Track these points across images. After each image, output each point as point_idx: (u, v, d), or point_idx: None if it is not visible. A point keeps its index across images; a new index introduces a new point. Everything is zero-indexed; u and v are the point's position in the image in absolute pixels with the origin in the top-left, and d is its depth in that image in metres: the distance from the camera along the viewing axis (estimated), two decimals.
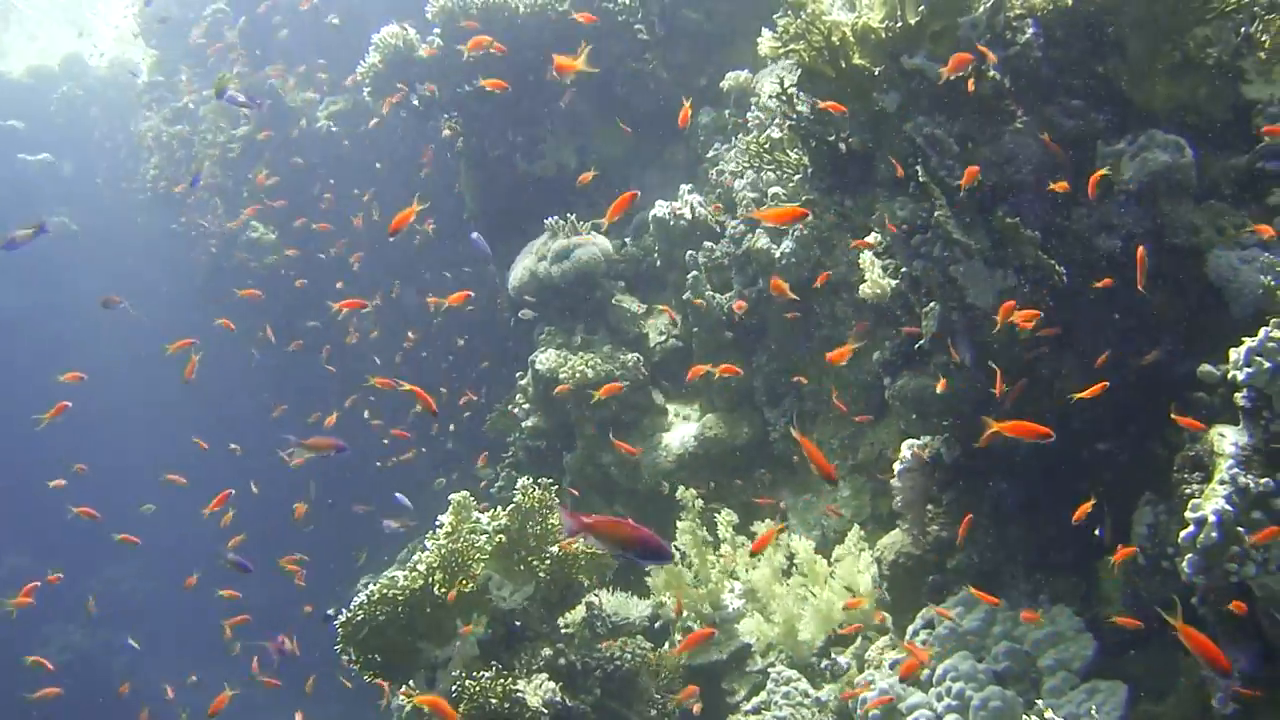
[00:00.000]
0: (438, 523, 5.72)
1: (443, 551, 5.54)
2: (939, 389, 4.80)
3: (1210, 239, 4.46)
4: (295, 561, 8.50)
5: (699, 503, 6.60)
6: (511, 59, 9.42)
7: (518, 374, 8.97)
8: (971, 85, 4.39)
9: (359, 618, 5.35)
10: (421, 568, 5.49)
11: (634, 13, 9.26)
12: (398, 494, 9.04)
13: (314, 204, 13.06)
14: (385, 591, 5.39)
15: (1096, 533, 4.49)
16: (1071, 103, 4.57)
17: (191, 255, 15.17)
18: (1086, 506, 4.26)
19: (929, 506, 5.34)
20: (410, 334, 11.99)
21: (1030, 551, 5.02)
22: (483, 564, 5.64)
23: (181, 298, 15.33)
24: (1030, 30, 4.48)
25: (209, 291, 13.96)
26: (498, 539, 5.69)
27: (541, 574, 5.77)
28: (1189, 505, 3.83)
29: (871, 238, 5.82)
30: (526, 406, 8.56)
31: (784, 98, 4.81)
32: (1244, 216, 4.53)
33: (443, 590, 5.43)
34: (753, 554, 6.39)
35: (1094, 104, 4.56)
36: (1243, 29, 4.68)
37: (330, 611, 6.91)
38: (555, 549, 5.81)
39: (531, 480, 5.91)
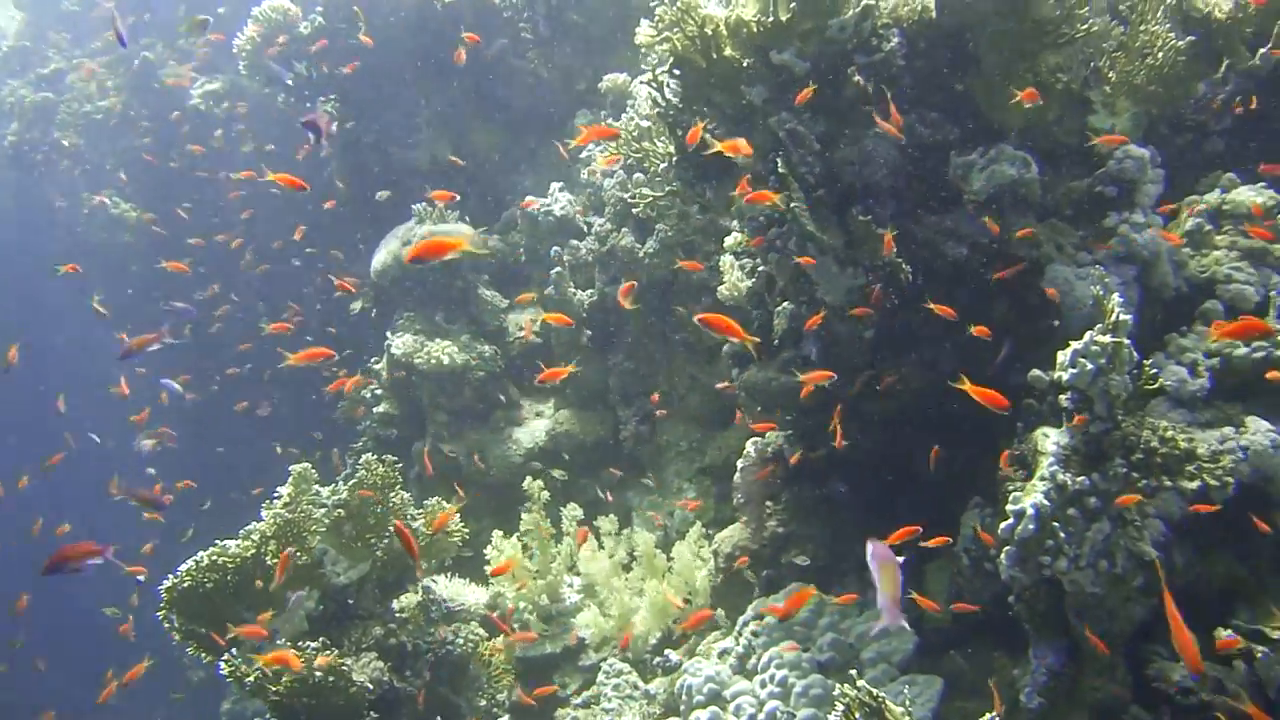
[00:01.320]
0: (276, 493, 5.59)
1: (278, 522, 5.42)
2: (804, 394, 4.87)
3: (1050, 254, 4.64)
4: None
5: (545, 495, 6.58)
6: (393, 45, 9.37)
7: (373, 359, 8.85)
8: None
9: (185, 584, 5.19)
10: (255, 537, 5.36)
11: (520, 11, 9.26)
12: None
13: (187, 184, 12.65)
14: (215, 559, 5.24)
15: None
16: (929, 114, 4.70)
17: (50, 228, 14.58)
18: (906, 532, 4.36)
19: (768, 503, 5.42)
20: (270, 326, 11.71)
21: (864, 553, 5.10)
22: (319, 537, 5.53)
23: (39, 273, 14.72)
24: (895, 39, 4.61)
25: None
26: (336, 513, 5.59)
27: (379, 553, 5.69)
28: (1010, 499, 3.96)
29: (730, 239, 5.91)
30: (379, 392, 8.44)
31: (654, 84, 4.85)
32: (1081, 236, 4.73)
33: (275, 561, 5.31)
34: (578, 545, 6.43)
35: (950, 116, 4.71)
36: (1091, 63, 4.91)
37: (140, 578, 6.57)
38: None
39: (375, 457, 5.83)
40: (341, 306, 10.31)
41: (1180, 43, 4.85)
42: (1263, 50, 5.22)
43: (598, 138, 6.40)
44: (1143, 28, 4.88)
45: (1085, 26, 4.53)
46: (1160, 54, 4.86)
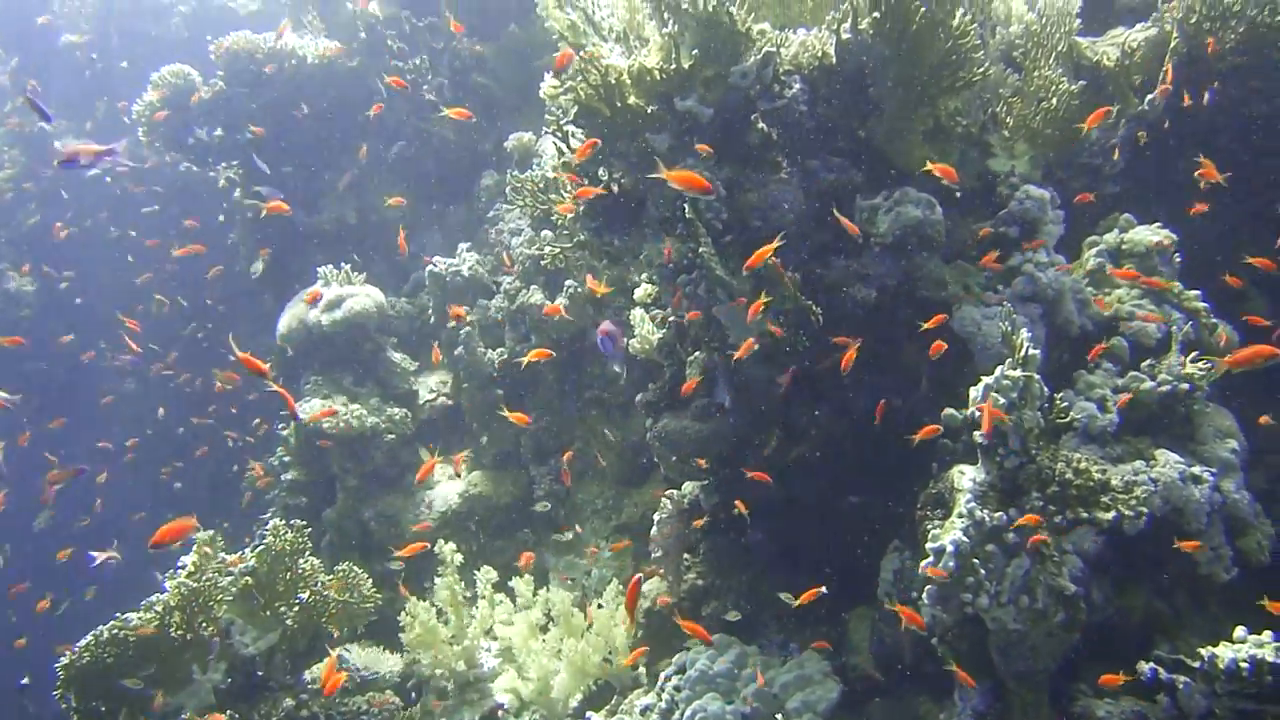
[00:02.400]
0: (180, 563, 5.39)
1: (183, 591, 5.21)
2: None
3: (957, 295, 4.67)
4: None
5: (458, 558, 6.42)
6: (296, 110, 9.28)
7: (280, 425, 8.65)
8: None
9: (85, 660, 4.96)
10: (158, 608, 5.15)
11: (424, 73, 9.22)
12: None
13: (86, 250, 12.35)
14: (116, 632, 5.02)
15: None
16: (833, 159, 4.73)
17: None
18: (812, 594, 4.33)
19: (686, 555, 5.35)
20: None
21: (782, 605, 5.05)
22: (226, 607, 5.34)
23: None
24: (797, 85, 4.64)
25: None
26: (244, 581, 5.40)
27: (289, 621, 5.50)
28: (929, 537, 3.93)
29: (639, 292, 5.89)
30: (287, 459, 8.22)
31: (559, 135, 4.83)
32: (987, 276, 4.77)
33: (180, 633, 5.10)
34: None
35: (854, 160, 4.74)
36: (989, 108, 4.99)
37: (24, 680, 6.38)
38: (305, 595, 5.56)
39: (284, 522, 5.66)
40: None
41: (1073, 87, 4.95)
42: (1150, 96, 5.35)
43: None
44: (1036, 73, 4.98)
45: (981, 70, 4.60)
46: (1054, 99, 4.95)
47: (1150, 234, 5.06)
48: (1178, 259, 5.14)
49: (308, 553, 5.67)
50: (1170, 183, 5.49)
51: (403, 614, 6.29)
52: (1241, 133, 5.52)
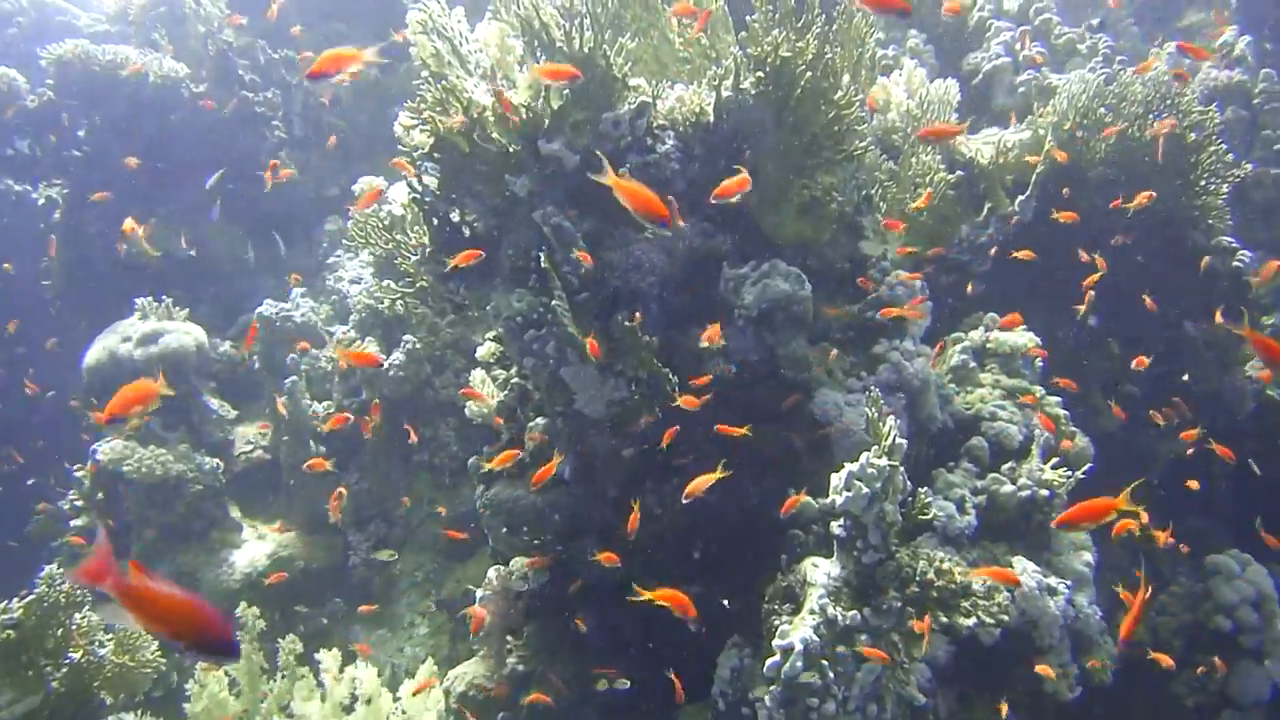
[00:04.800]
0: None
1: None
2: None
3: (819, 378, 4.43)
4: None
5: (260, 624, 5.86)
6: (130, 131, 8.69)
7: (75, 466, 7.91)
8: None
9: None
10: None
11: (275, 108, 8.75)
12: None
13: None
14: None
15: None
16: (702, 223, 4.47)
17: None
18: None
19: (509, 638, 4.92)
20: None
21: (608, 695, 4.67)
22: None
23: None
24: (670, 141, 4.39)
25: None
26: (5, 634, 4.76)
27: (55, 683, 4.87)
28: (777, 634, 3.61)
29: (481, 350, 5.52)
30: (79, 504, 7.50)
31: (411, 167, 4.45)
32: (851, 362, 4.55)
33: None
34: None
35: (724, 226, 4.49)
36: (864, 190, 4.82)
37: None
38: (77, 655, 4.94)
39: (59, 572, 5.04)
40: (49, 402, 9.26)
41: (950, 176, 4.82)
42: (1021, 198, 5.28)
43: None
44: (914, 159, 4.84)
45: (863, 145, 4.43)
46: (930, 187, 4.82)
47: (1015, 335, 4.94)
48: (1039, 364, 5.03)
49: (86, 608, 5.05)
50: (1034, 286, 5.42)
51: (190, 682, 5.70)
52: (1103, 243, 5.51)
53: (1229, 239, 5.85)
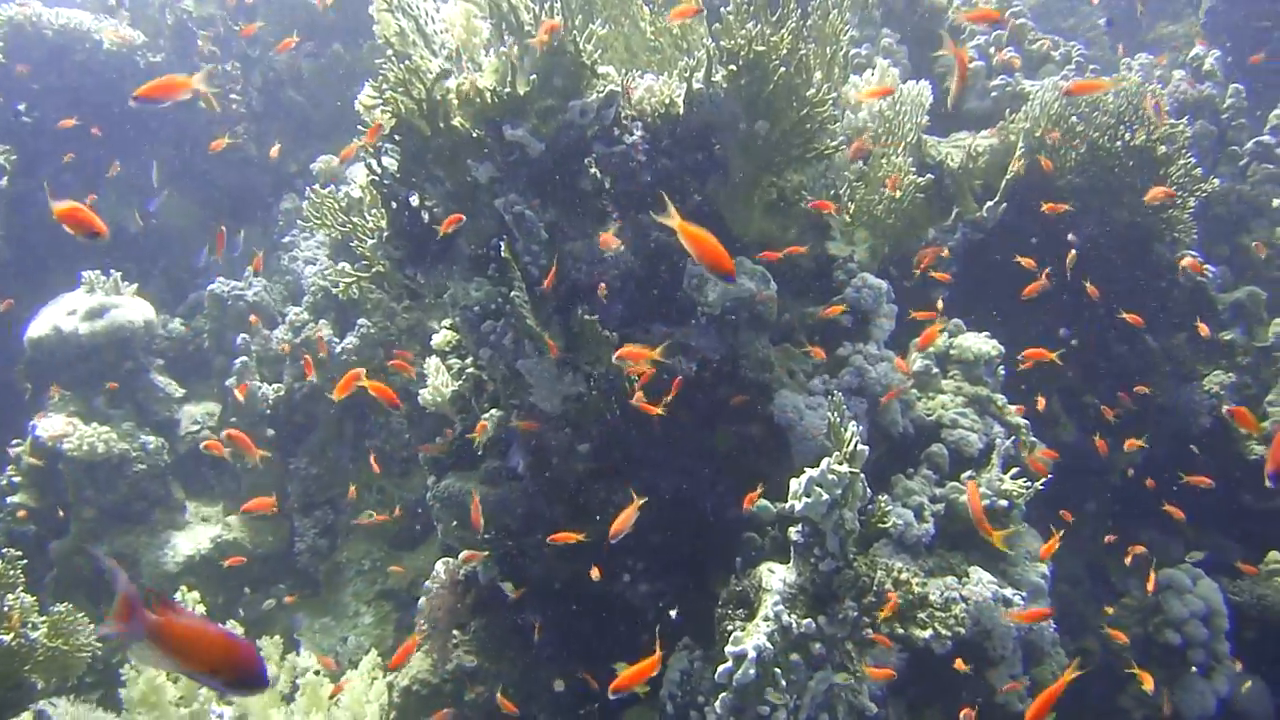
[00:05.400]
0: None
1: None
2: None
3: (780, 379, 4.35)
4: None
5: (201, 609, 5.72)
6: (83, 97, 8.48)
7: (14, 441, 7.70)
8: None
9: None
10: None
11: (234, 80, 8.57)
12: None
13: None
14: None
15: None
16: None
17: None
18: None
19: (455, 632, 4.81)
20: None
21: (557, 693, 4.58)
22: None
23: None
24: (638, 133, 4.29)
25: None
26: None
27: None
28: (730, 639, 3.53)
29: (438, 338, 5.40)
30: (16, 480, 7.30)
31: (370, 150, 4.33)
32: (814, 364, 4.48)
33: None
34: None
35: (691, 221, 4.39)
36: (833, 190, 4.75)
37: None
38: (8, 638, 4.79)
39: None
40: None
41: (920, 179, 4.76)
42: (990, 204, 5.23)
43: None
44: (885, 160, 4.77)
45: (835, 145, 4.35)
46: (899, 190, 4.75)
47: (980, 342, 4.89)
48: (1002, 371, 4.99)
49: (20, 589, 4.90)
50: (998, 293, 5.38)
51: (126, 667, 5.55)
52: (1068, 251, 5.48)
53: (1193, 253, 5.85)
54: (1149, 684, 4.49)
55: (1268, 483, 4.60)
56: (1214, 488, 5.49)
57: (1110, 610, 5.09)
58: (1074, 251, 5.20)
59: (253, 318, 7.13)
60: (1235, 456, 6.00)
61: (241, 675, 2.10)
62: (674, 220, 3.09)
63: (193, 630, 2.06)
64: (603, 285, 4.14)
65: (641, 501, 3.70)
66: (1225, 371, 6.15)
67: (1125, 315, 5.27)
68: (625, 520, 3.65)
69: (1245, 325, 6.54)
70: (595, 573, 4.10)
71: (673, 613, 4.13)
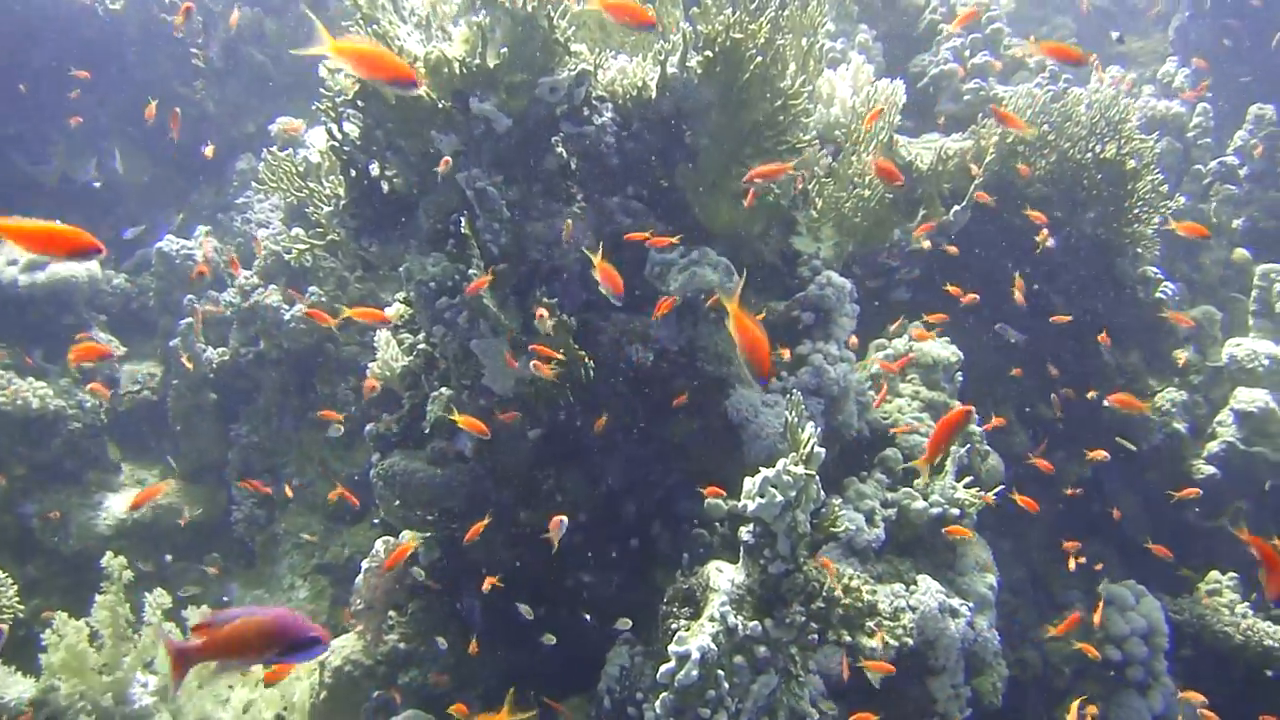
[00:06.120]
0: None
1: None
2: None
3: (738, 374, 4.28)
4: None
5: (128, 575, 5.56)
6: (38, 44, 8.22)
7: None
8: None
9: None
10: None
11: (195, 35, 8.35)
12: None
13: None
14: None
15: None
16: (632, 202, 4.29)
17: None
18: None
19: (391, 613, 4.71)
20: None
21: (493, 680, 4.49)
22: None
23: None
24: (608, 114, 4.19)
25: None
26: None
27: None
28: (675, 639, 3.45)
29: (390, 311, 5.27)
30: None
31: (331, 115, 4.19)
32: (773, 360, 4.41)
33: None
34: None
35: (656, 207, 4.31)
36: (801, 184, 4.68)
37: None
38: None
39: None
40: None
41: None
42: (956, 207, 5.19)
43: None
44: (856, 158, 4.71)
45: (807, 138, 4.28)
46: (870, 189, 4.69)
47: (939, 348, 4.84)
48: (959, 377, 4.95)
49: None
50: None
51: (48, 631, 5.39)
52: (1032, 260, 5.45)
53: (1155, 269, 5.84)
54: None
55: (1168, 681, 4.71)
56: (1161, 505, 5.51)
57: (1053, 629, 5.06)
58: (1049, 241, 5.16)
59: (202, 266, 6.95)
60: (1181, 475, 6.01)
61: (293, 641, 2.30)
62: (732, 304, 2.97)
63: (234, 633, 2.27)
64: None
65: (563, 517, 3.72)
66: (1177, 389, 6.16)
67: (1101, 338, 5.29)
68: (555, 526, 3.69)
69: (1199, 344, 6.57)
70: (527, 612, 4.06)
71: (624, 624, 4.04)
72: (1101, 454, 5.23)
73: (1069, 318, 5.32)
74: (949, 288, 4.97)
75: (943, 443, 3.42)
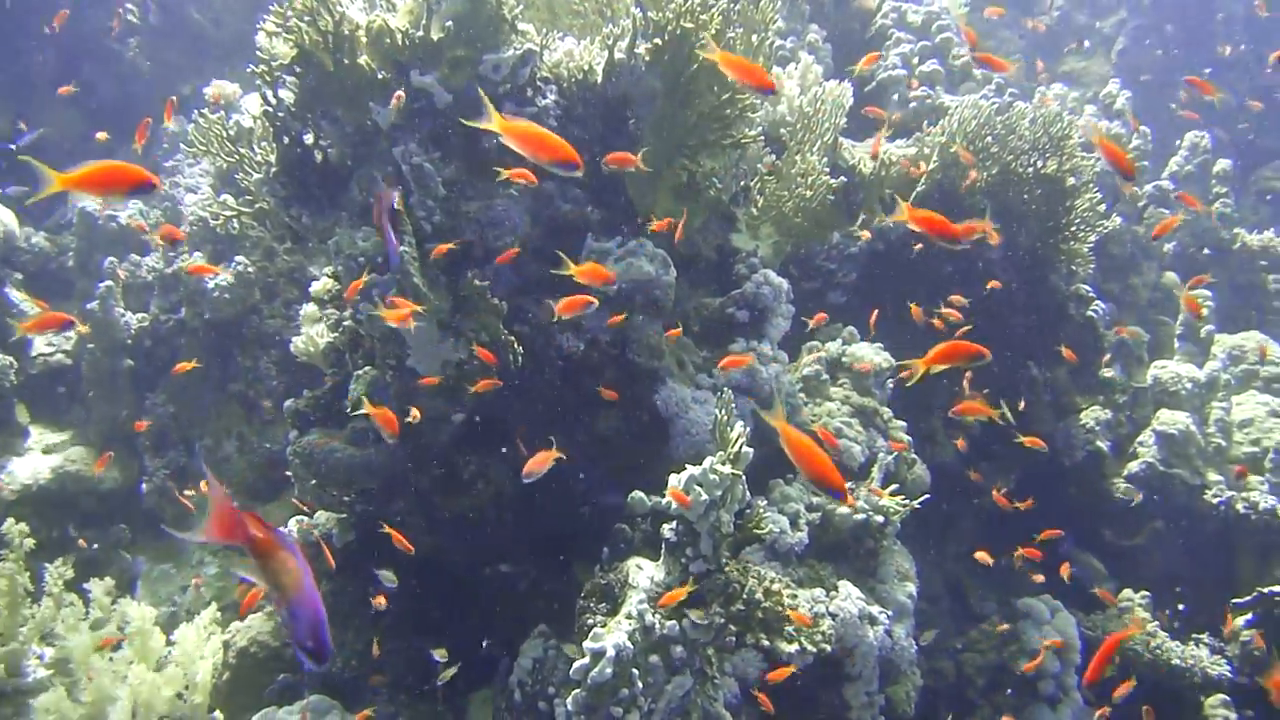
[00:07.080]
0: None
1: None
2: None
3: (669, 369, 4.22)
4: None
5: (29, 543, 5.38)
6: None
7: None
8: None
9: None
10: None
11: None
12: None
13: None
14: None
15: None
16: (571, 189, 4.21)
17: None
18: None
19: None
20: None
21: (402, 668, 4.39)
22: None
23: None
24: (552, 96, 4.11)
25: None
26: None
27: None
28: (590, 635, 3.38)
29: (317, 285, 5.15)
30: None
31: (266, 79, 4.05)
32: (704, 356, 4.37)
33: None
34: None
35: (595, 195, 4.23)
36: (743, 180, 4.63)
37: None
38: None
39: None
40: None
41: (834, 181, 4.66)
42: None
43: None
44: (799, 157, 4.67)
45: (753, 134, 4.22)
46: (811, 189, 4.65)
47: (872, 353, 4.82)
48: (890, 384, 4.94)
49: None
50: (895, 304, 5.32)
51: None
52: (967, 272, 5.46)
53: (1087, 287, 5.88)
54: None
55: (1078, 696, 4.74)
56: (1079, 522, 5.54)
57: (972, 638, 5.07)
58: (993, 228, 5.12)
59: (138, 224, 6.75)
60: (1102, 493, 6.07)
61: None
62: (779, 422, 3.00)
63: (293, 560, 1.92)
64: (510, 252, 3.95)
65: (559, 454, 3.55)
66: (1102, 408, 6.21)
67: (1065, 351, 5.31)
68: (540, 462, 3.49)
69: (1124, 364, 6.63)
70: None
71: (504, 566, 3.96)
72: (1038, 442, 5.16)
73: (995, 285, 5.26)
74: (913, 308, 4.90)
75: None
